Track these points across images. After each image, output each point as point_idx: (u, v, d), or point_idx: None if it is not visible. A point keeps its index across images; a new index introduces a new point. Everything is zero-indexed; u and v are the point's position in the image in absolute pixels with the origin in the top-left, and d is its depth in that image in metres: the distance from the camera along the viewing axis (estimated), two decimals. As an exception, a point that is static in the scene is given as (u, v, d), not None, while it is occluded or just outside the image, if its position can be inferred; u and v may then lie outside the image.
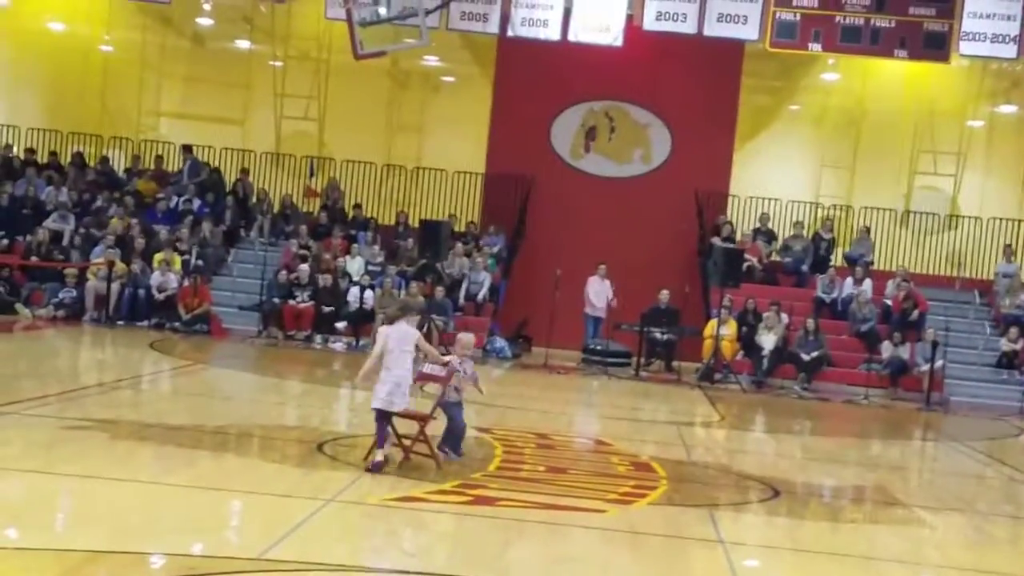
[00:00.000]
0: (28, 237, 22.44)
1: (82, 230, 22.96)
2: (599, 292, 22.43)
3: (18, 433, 10.34)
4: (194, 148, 25.61)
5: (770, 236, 24.39)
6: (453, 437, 10.54)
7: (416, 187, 25.79)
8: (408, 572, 7.14)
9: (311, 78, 27.03)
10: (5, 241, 22.63)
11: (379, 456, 9.80)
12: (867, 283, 22.66)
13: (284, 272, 21.79)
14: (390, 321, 10.50)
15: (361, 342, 20.95)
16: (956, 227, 25.31)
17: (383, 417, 9.86)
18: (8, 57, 26.56)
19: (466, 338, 11.11)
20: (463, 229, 24.36)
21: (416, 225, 23.40)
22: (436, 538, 8.37)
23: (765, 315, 21.40)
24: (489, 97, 25.33)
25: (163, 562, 6.89)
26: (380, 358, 9.88)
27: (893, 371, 21.00)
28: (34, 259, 21.94)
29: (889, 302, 22.47)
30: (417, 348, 10.12)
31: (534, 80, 24.40)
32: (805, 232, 24.40)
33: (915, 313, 21.97)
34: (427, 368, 10.68)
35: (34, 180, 24.22)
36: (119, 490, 8.62)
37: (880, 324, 22.04)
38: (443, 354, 11.30)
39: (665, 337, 21.61)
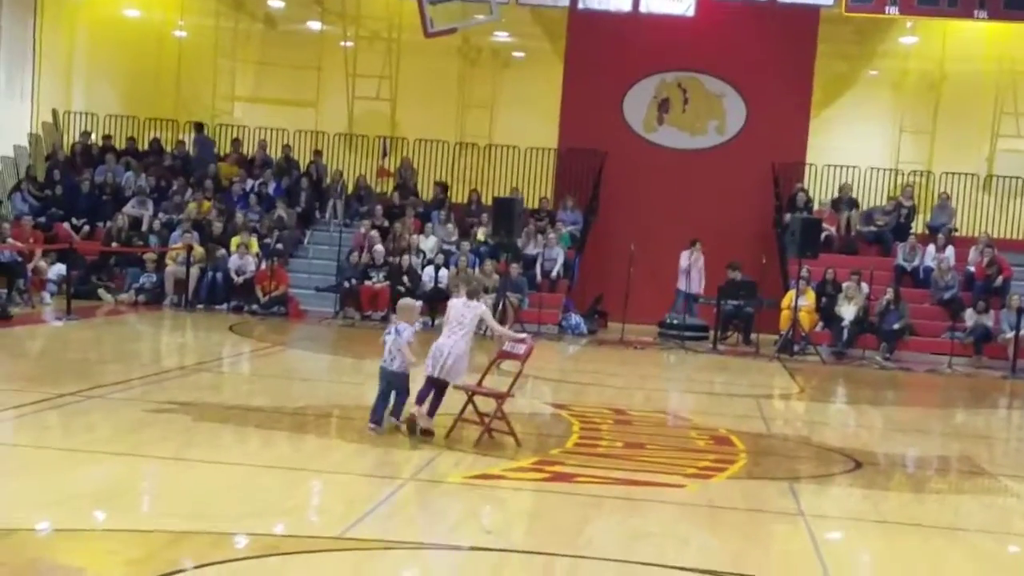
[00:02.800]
0: (108, 223, 22.83)
1: (161, 215, 23.31)
2: (691, 266, 22.16)
3: (104, 416, 10.52)
4: (204, 127, 26.29)
5: (852, 204, 23.92)
6: (399, 405, 10.50)
7: (489, 164, 25.76)
8: (487, 549, 7.16)
9: (382, 58, 27.14)
10: (87, 227, 23.06)
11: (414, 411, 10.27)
12: (949, 250, 22.23)
13: (356, 254, 21.90)
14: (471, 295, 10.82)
15: (436, 321, 21.01)
16: (1041, 190, 24.76)
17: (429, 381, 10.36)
18: (85, 45, 26.97)
19: (407, 303, 11.19)
20: (536, 206, 24.27)
21: (489, 203, 23.39)
22: (514, 515, 8.38)
23: (845, 285, 21.09)
24: (560, 71, 25.14)
25: (246, 541, 6.98)
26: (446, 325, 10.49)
27: (977, 339, 20.61)
28: (115, 245, 22.31)
29: (972, 269, 22.04)
30: (481, 322, 10.54)
31: (605, 53, 24.20)
32: (885, 201, 23.99)
33: (999, 279, 21.53)
34: (506, 346, 10.76)
35: (113, 166, 24.62)
36: (202, 471, 8.74)
37: (963, 291, 21.64)
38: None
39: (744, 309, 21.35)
